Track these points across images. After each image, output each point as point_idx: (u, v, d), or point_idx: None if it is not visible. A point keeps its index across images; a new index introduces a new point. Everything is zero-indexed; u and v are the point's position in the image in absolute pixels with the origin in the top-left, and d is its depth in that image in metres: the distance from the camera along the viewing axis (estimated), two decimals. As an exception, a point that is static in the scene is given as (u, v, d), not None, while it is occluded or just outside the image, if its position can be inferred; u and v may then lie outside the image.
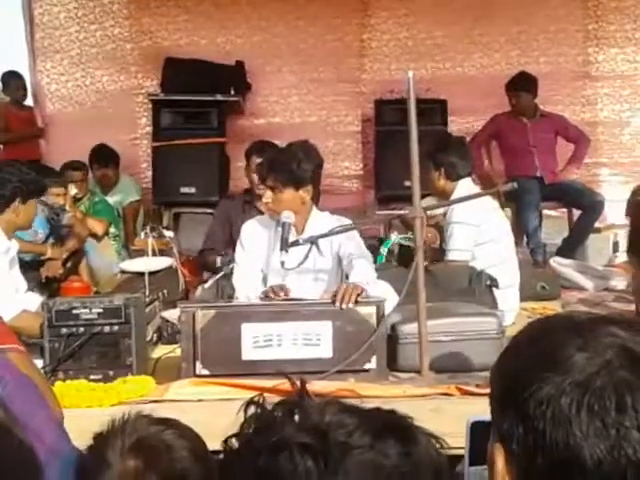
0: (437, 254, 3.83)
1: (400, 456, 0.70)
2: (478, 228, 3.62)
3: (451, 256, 3.64)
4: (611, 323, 0.79)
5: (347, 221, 3.15)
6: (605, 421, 0.73)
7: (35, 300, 3.20)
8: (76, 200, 4.97)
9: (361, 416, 0.73)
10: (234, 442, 0.75)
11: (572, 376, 0.75)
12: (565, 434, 0.74)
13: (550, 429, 0.74)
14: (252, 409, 0.75)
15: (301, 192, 3.05)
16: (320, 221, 3.12)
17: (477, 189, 3.90)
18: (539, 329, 0.83)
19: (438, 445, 0.77)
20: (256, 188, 4.19)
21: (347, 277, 3.00)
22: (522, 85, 5.35)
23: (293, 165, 3.01)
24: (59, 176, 4.78)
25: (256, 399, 0.76)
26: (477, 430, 1.34)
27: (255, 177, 4.15)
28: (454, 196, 3.66)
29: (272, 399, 0.79)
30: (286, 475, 0.68)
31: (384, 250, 3.84)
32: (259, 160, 4.03)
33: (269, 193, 3.03)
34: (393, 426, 0.73)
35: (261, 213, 3.66)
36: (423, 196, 3.00)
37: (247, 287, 3.04)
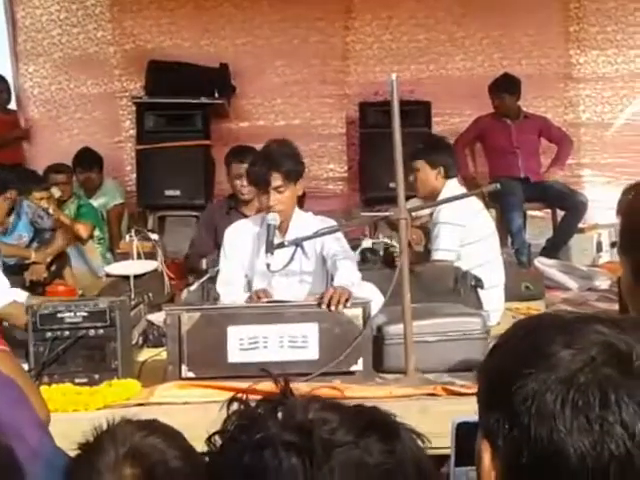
0: (422, 255, 3.85)
1: (383, 453, 0.70)
2: (464, 228, 3.64)
3: (437, 256, 3.66)
4: (597, 321, 0.79)
5: (331, 221, 3.15)
6: (589, 417, 0.73)
7: (21, 295, 3.18)
8: (60, 203, 4.95)
9: (344, 413, 0.73)
10: (217, 439, 0.75)
11: (557, 372, 0.76)
12: (549, 430, 0.74)
13: (535, 425, 0.75)
14: (235, 406, 0.75)
15: (298, 186, 3.05)
16: (303, 222, 3.12)
17: (463, 190, 3.93)
18: (526, 327, 0.84)
19: (420, 441, 0.77)
20: (239, 193, 4.19)
21: (332, 278, 3.01)
22: (505, 87, 5.39)
23: (292, 160, 3.01)
24: (42, 180, 4.76)
25: (239, 396, 0.76)
26: (462, 431, 1.35)
27: (238, 182, 4.15)
28: (441, 197, 3.68)
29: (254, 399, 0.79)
30: (271, 472, 0.68)
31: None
32: (240, 165, 4.03)
33: (276, 196, 2.95)
34: (376, 423, 0.73)
35: (246, 217, 3.66)
36: (408, 198, 3.02)
37: (230, 294, 3.03)
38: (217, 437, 0.75)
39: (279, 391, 0.75)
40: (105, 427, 1.24)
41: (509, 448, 0.77)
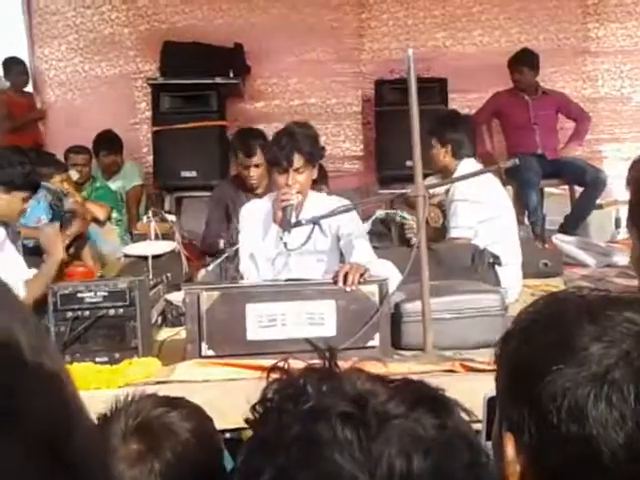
0: (440, 233, 3.83)
1: (436, 427, 0.68)
2: (480, 205, 3.62)
3: (454, 233, 3.65)
4: (626, 306, 0.76)
5: (345, 201, 3.15)
6: (623, 413, 0.71)
7: None
8: (78, 185, 4.98)
9: (392, 386, 0.71)
10: (259, 409, 0.72)
11: (589, 368, 0.73)
12: (581, 427, 0.72)
13: (565, 423, 0.72)
14: (274, 376, 0.72)
15: (314, 170, 3.06)
16: (318, 201, 3.12)
17: (479, 167, 3.90)
18: (549, 314, 0.80)
19: (467, 417, 0.74)
20: (247, 180, 4.23)
21: (342, 256, 3.02)
22: (525, 61, 5.34)
23: (314, 143, 3.01)
24: (61, 163, 4.78)
25: (280, 364, 0.73)
26: (493, 405, 1.36)
27: (245, 172, 4.19)
28: (456, 174, 3.66)
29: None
30: (324, 444, 0.65)
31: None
32: (248, 159, 4.09)
33: (295, 177, 2.96)
34: (426, 397, 0.71)
35: (254, 191, 3.69)
36: (425, 175, 3.00)
37: (254, 272, 3.06)
38: (259, 407, 0.71)
39: (323, 361, 0.72)
40: (124, 401, 1.24)
41: (537, 446, 0.75)
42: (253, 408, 0.71)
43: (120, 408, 1.23)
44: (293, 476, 0.64)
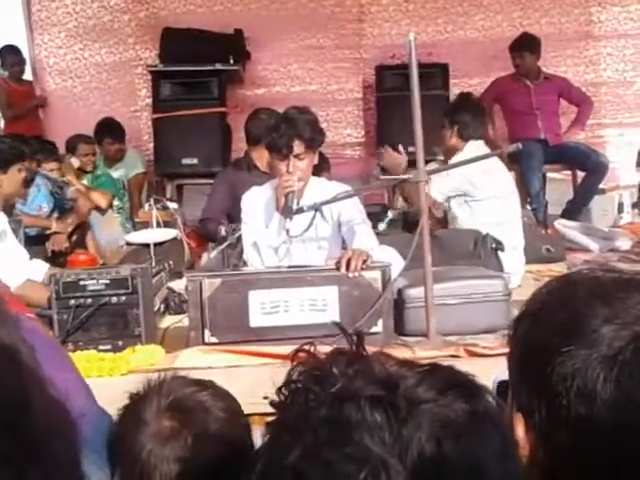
0: (442, 221, 3.83)
1: (466, 413, 0.67)
2: (474, 188, 3.64)
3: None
4: (638, 289, 0.76)
5: (346, 187, 3.13)
6: (632, 395, 0.71)
7: (41, 267, 3.21)
8: (82, 173, 4.97)
9: (421, 371, 0.70)
10: (285, 392, 0.70)
11: (599, 350, 0.72)
12: (590, 409, 0.72)
13: (574, 404, 0.72)
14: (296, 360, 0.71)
15: (315, 155, 3.04)
16: (319, 187, 3.10)
17: (486, 151, 3.89)
18: (561, 295, 0.79)
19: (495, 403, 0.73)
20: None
21: (344, 243, 3.01)
22: (526, 45, 5.31)
23: (314, 128, 2.98)
24: (53, 151, 4.77)
25: (306, 347, 0.72)
26: (502, 389, 1.36)
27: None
28: (459, 157, 3.66)
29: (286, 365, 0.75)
30: (353, 426, 0.64)
31: (383, 226, 3.82)
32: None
33: (296, 164, 2.92)
34: (456, 381, 0.70)
35: (266, 174, 3.66)
36: (426, 162, 2.98)
37: (258, 261, 3.05)
38: (284, 390, 0.70)
39: (350, 345, 0.71)
40: (155, 381, 1.25)
41: (546, 427, 0.75)
42: (279, 390, 0.70)
43: (153, 386, 1.24)
44: (322, 455, 0.63)
